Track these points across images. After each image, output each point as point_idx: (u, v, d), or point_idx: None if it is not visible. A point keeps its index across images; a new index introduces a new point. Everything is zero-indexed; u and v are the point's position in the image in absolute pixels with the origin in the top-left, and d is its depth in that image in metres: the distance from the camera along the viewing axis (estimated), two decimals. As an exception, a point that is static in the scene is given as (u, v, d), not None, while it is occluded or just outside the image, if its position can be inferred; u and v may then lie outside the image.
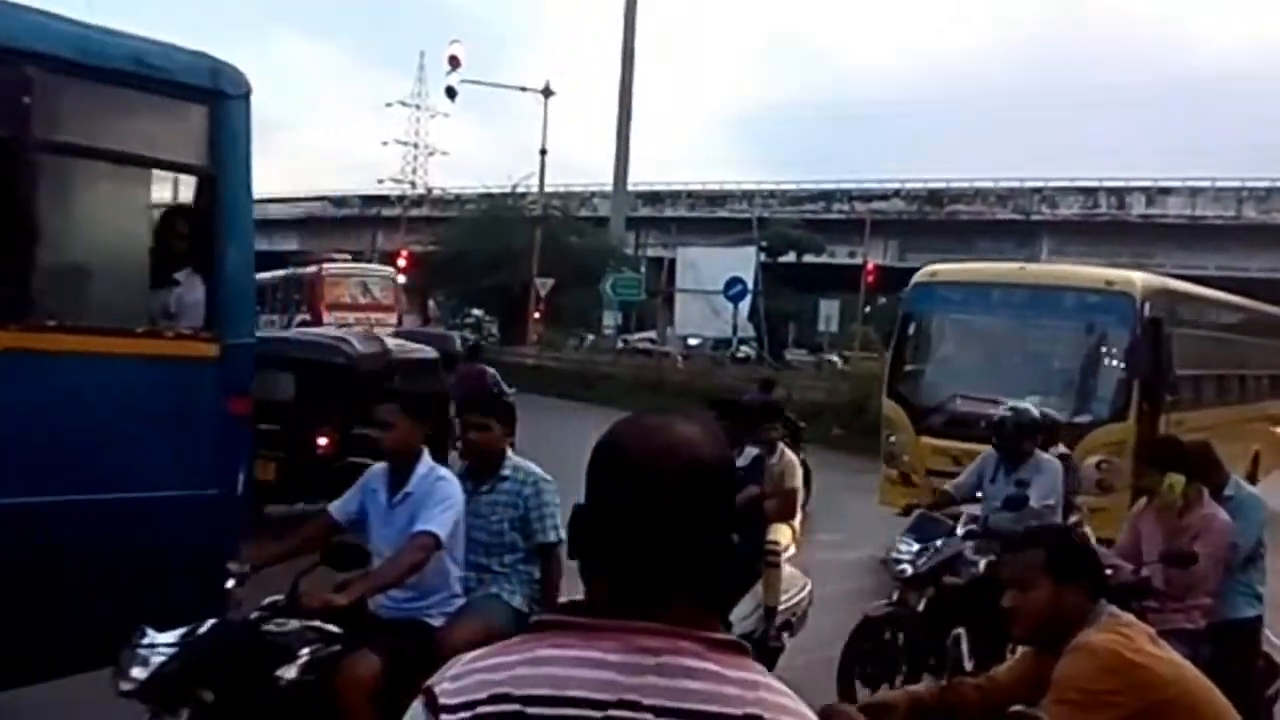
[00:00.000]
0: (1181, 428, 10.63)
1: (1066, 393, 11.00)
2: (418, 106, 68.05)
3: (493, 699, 1.35)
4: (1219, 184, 37.23)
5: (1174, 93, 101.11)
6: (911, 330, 12.14)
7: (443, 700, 1.37)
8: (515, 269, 34.73)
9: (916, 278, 12.41)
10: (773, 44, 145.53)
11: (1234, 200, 36.41)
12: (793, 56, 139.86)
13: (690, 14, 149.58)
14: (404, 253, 38.97)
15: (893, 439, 11.59)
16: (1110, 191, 38.36)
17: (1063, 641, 2.82)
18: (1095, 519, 8.77)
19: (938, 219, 40.80)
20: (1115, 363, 10.91)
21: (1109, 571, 5.97)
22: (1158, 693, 2.73)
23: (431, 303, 44.01)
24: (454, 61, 32.09)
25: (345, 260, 28.96)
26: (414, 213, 50.24)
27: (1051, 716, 2.74)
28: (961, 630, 5.88)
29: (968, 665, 5.74)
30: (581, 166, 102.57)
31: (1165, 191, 37.57)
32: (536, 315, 35.19)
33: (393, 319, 27.47)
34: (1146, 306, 10.81)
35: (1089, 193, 38.56)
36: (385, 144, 68.73)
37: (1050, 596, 2.87)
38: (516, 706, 1.34)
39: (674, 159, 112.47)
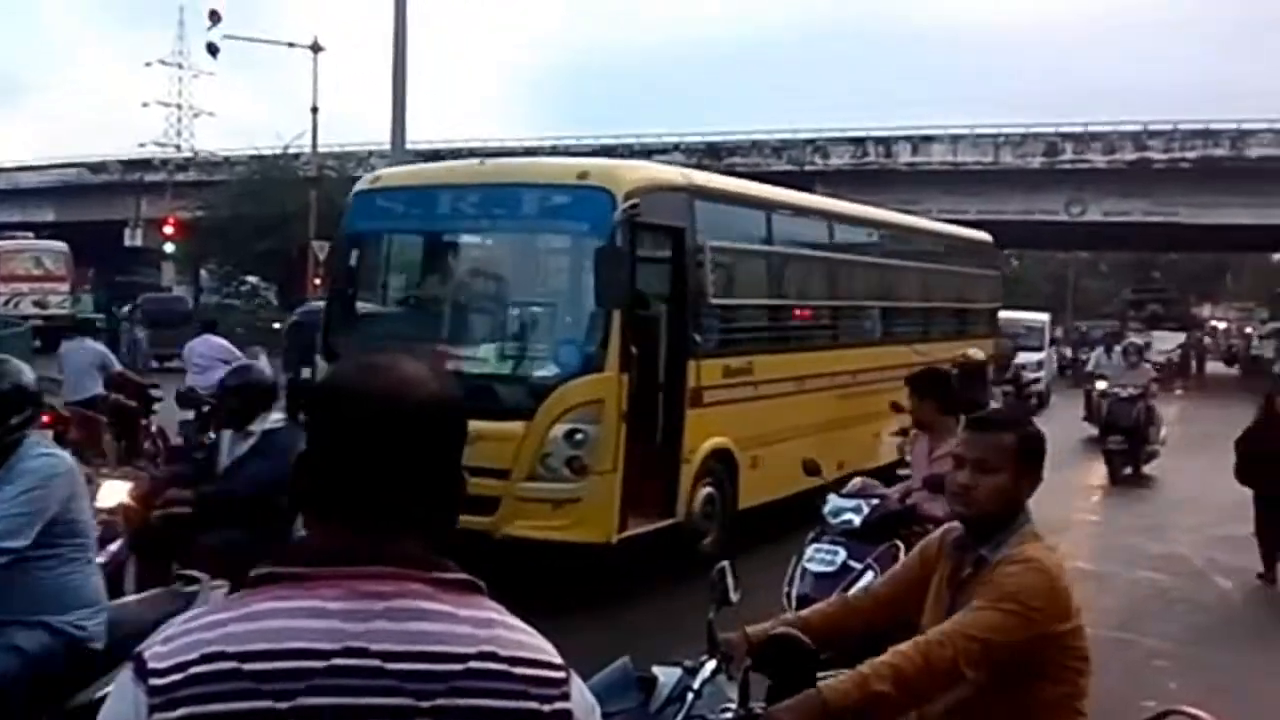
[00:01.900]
0: (724, 379, 9.36)
1: (530, 335, 8.83)
2: (180, 65, 65.07)
3: (205, 658, 1.27)
4: (978, 131, 39.09)
5: (938, 41, 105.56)
6: (353, 260, 9.52)
7: (151, 664, 1.29)
8: (290, 233, 33.56)
9: (357, 186, 9.65)
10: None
11: (991, 146, 38.32)
12: (581, 9, 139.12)
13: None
14: (170, 220, 37.09)
15: None
16: (878, 141, 39.80)
17: (995, 533, 2.82)
18: (561, 514, 7.81)
19: (717, 170, 41.46)
20: (588, 290, 8.03)
21: (876, 501, 6.26)
22: (1066, 623, 2.76)
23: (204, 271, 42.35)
24: (214, 16, 30.50)
25: (24, 237, 33.59)
26: (180, 177, 47.88)
27: (984, 619, 2.69)
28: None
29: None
30: (360, 124, 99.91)
31: (929, 139, 39.22)
32: (317, 281, 34.14)
33: (65, 288, 31.95)
34: (635, 206, 8.09)
35: (858, 142, 39.92)
36: (146, 105, 65.46)
37: (1010, 483, 2.84)
38: (232, 664, 1.27)
39: (457, 114, 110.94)
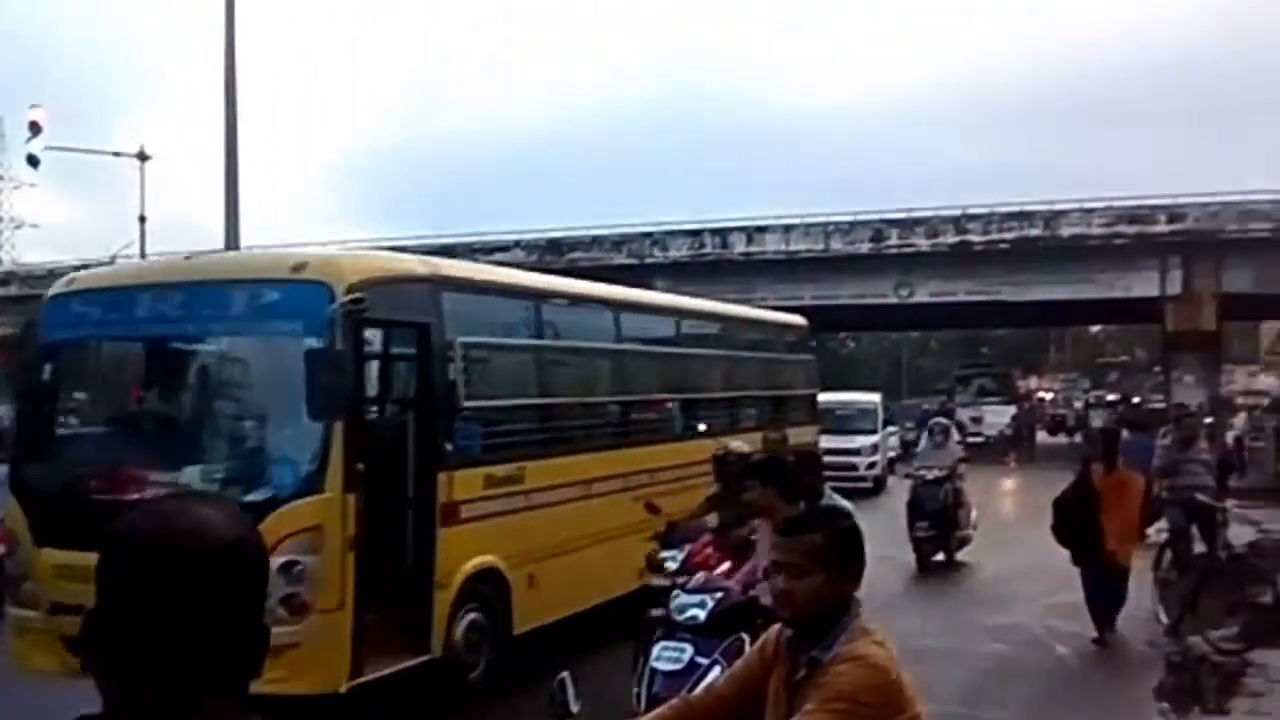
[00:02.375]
0: (487, 490, 8.46)
1: (240, 454, 7.66)
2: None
3: None
4: (809, 220, 40.39)
5: (769, 136, 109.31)
6: (46, 375, 8.20)
7: None
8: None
9: (50, 291, 8.35)
10: (386, 95, 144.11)
11: (822, 234, 39.60)
12: (413, 108, 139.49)
13: (306, 65, 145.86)
14: (-11, 336, 35.45)
15: (13, 555, 7.76)
16: (714, 232, 40.73)
17: (826, 631, 2.82)
18: (280, 664, 5.84)
19: (559, 267, 41.76)
20: (304, 399, 6.91)
21: (721, 594, 6.31)
22: (901, 715, 2.78)
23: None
24: (34, 127, 29.59)
25: None
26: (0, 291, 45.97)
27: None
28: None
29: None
30: (193, 232, 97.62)
31: (763, 230, 40.32)
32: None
33: None
34: (360, 301, 7.13)
35: (695, 234, 40.79)
36: (-39, 219, 62.88)
37: (825, 584, 2.84)
38: None
39: (288, 216, 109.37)
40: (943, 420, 17.62)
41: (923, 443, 18.24)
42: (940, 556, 14.83)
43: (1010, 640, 10.66)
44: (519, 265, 42.59)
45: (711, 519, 8.31)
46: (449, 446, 8.14)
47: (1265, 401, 34.12)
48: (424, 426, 8.17)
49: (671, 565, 7.78)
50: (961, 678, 9.15)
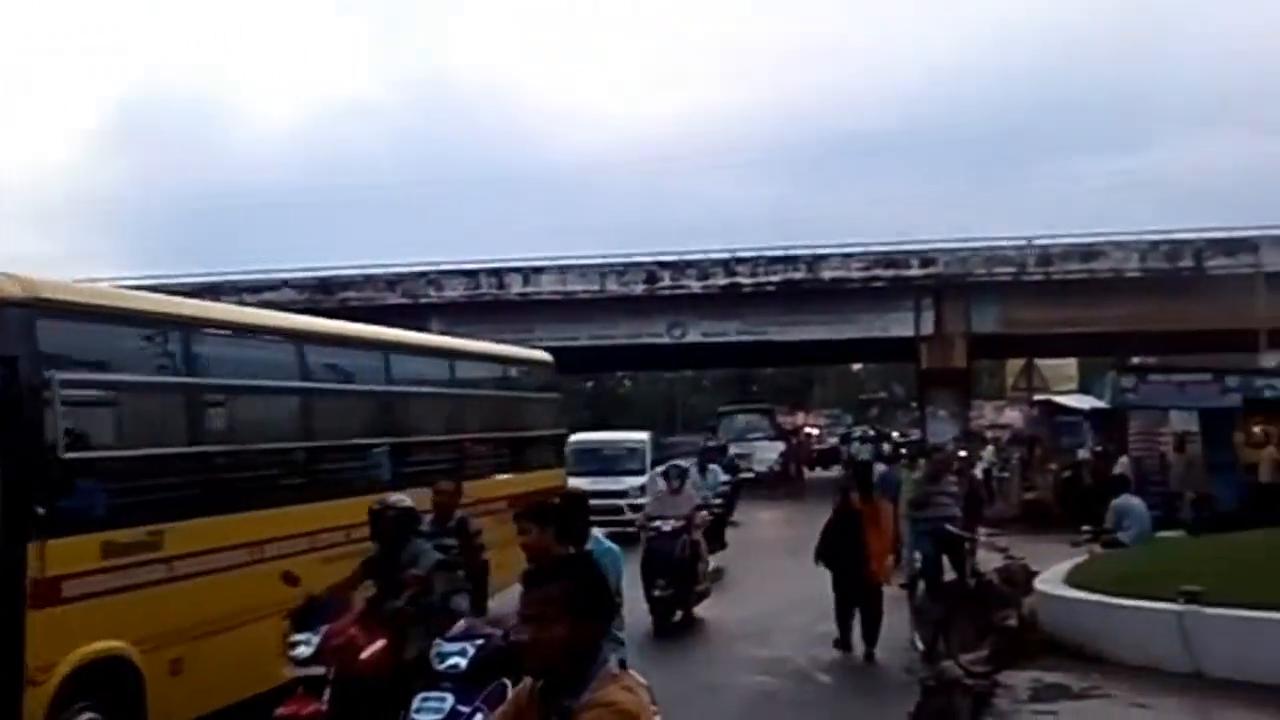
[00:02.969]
0: (107, 561, 7.09)
1: None
2: None
3: None
4: (584, 261, 40.79)
5: (541, 178, 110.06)
6: None
7: None
8: None
9: None
10: (119, 125, 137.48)
11: (598, 275, 40.04)
12: (158, 141, 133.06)
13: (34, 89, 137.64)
14: None
15: None
16: (490, 272, 40.61)
17: (574, 679, 2.80)
18: None
19: (330, 307, 40.79)
20: None
21: (482, 640, 6.22)
22: None
23: None
24: None
25: None
26: None
27: None
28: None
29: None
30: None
31: (539, 270, 40.47)
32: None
33: None
34: None
35: (471, 274, 40.57)
36: None
37: (570, 633, 2.82)
38: None
39: (38, 254, 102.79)
40: (680, 464, 16.16)
41: (659, 486, 17.22)
42: (679, 615, 13.42)
43: (774, 672, 10.92)
44: (287, 306, 41.51)
45: (365, 589, 7.54)
46: (40, 510, 6.58)
47: (1009, 434, 36.32)
48: (6, 486, 6.53)
49: (305, 650, 6.79)
50: (726, 712, 9.30)
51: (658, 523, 13.68)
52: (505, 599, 8.35)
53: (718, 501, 19.31)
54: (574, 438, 24.72)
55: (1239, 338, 32.94)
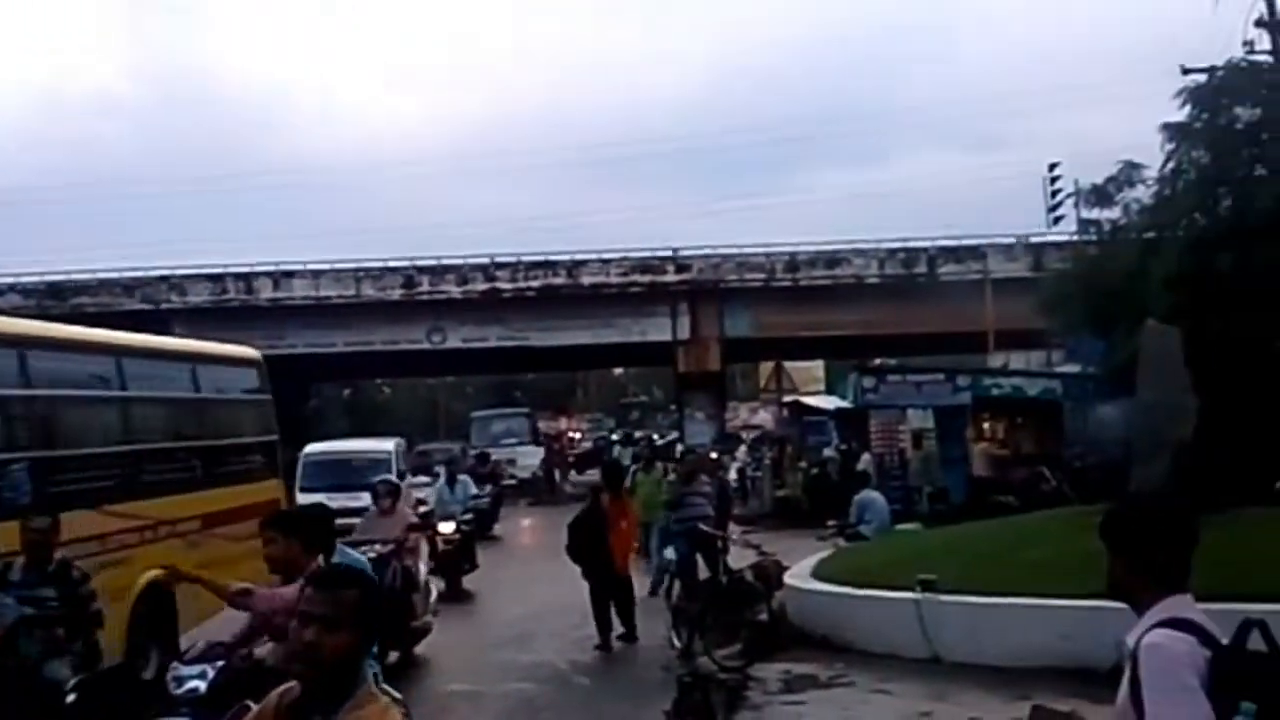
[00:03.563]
0: None
1: None
2: None
3: None
4: (338, 265, 39.78)
5: (301, 176, 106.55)
6: None
7: None
8: None
9: None
10: None
11: (353, 280, 39.14)
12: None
13: None
14: None
15: None
16: (238, 277, 39.11)
17: (337, 693, 2.73)
18: None
19: (62, 314, 38.32)
20: None
21: (223, 663, 5.94)
22: None
23: None
24: None
25: None
26: None
27: None
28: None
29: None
30: None
31: (290, 275, 39.22)
32: None
33: None
34: None
35: (217, 279, 38.97)
36: None
37: (353, 641, 2.76)
38: None
39: None
40: (390, 480, 14.56)
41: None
42: (393, 656, 10.96)
43: (534, 678, 10.91)
44: (13, 312, 38.84)
45: None
46: None
47: (761, 434, 37.54)
48: None
49: None
50: (485, 719, 9.23)
51: (364, 548, 10.30)
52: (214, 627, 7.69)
53: (467, 517, 17.79)
54: (309, 448, 23.25)
55: (970, 339, 35.19)
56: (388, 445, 23.95)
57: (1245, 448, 23.19)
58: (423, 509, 17.01)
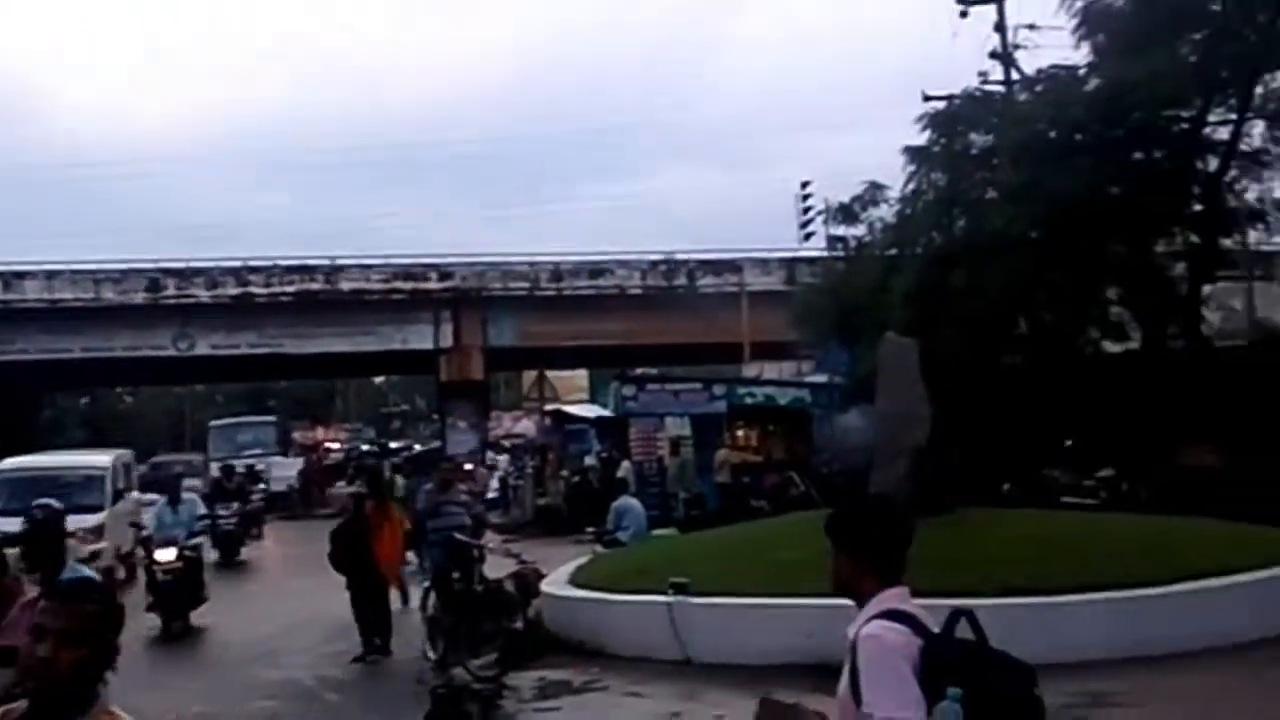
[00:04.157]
0: None
1: None
2: None
3: None
4: (75, 267, 37.49)
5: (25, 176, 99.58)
6: None
7: None
8: None
9: None
10: None
11: (91, 282, 36.95)
12: None
13: None
14: None
15: None
16: (-41, 279, 36.34)
17: (72, 710, 2.63)
18: None
19: None
20: None
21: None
22: None
23: None
24: None
25: None
26: None
27: None
28: None
29: None
30: None
31: (21, 275, 36.73)
32: None
33: None
34: None
35: (-65, 280, 36.10)
36: None
37: (92, 656, 2.67)
38: None
39: None
40: (50, 503, 12.88)
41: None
42: None
43: (281, 695, 10.55)
44: None
45: None
46: None
47: (522, 443, 37.54)
48: None
49: None
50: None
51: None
52: None
53: (195, 541, 15.22)
54: (3, 464, 19.74)
55: (727, 350, 36.23)
56: (103, 459, 20.66)
57: (976, 453, 24.78)
58: (144, 533, 15.59)
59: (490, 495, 30.46)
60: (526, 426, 40.49)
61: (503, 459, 35.51)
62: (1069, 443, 20.77)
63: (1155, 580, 9.91)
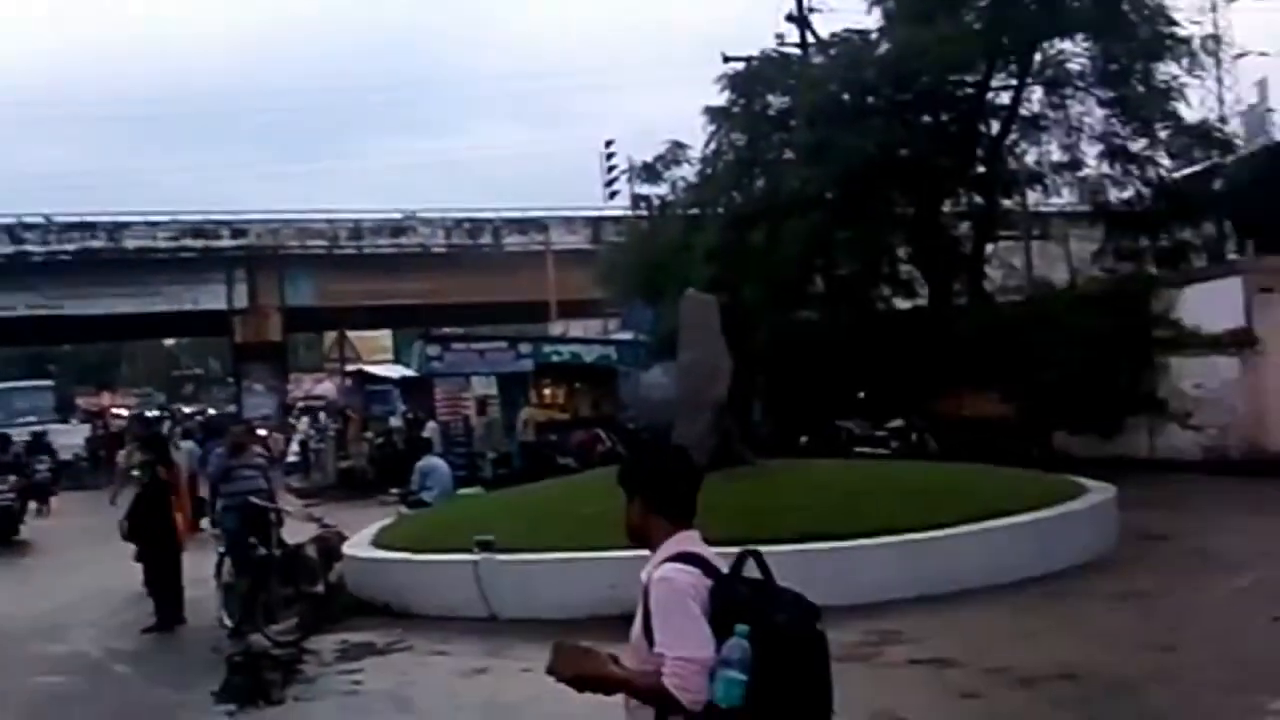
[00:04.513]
0: None
1: None
2: None
3: None
4: None
5: None
6: None
7: None
8: None
9: None
10: None
11: None
12: None
13: None
14: None
15: None
16: None
17: None
18: None
19: None
20: None
21: None
22: None
23: None
24: None
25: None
26: None
27: None
28: None
29: None
30: None
31: None
32: None
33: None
34: None
35: None
36: None
37: None
38: None
39: None
40: None
41: None
42: None
43: (67, 669, 10.05)
44: None
45: None
46: None
47: (323, 405, 36.71)
48: None
49: None
50: (18, 716, 8.41)
51: None
52: None
53: None
54: None
55: (533, 309, 36.18)
56: None
57: (775, 406, 25.54)
58: None
59: (290, 459, 29.76)
60: (327, 388, 39.53)
61: (303, 422, 34.63)
62: (862, 395, 21.57)
63: (943, 523, 10.43)
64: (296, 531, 12.79)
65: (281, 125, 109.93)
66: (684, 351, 13.13)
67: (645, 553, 3.03)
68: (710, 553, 2.95)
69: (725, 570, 2.90)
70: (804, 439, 21.25)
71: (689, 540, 2.96)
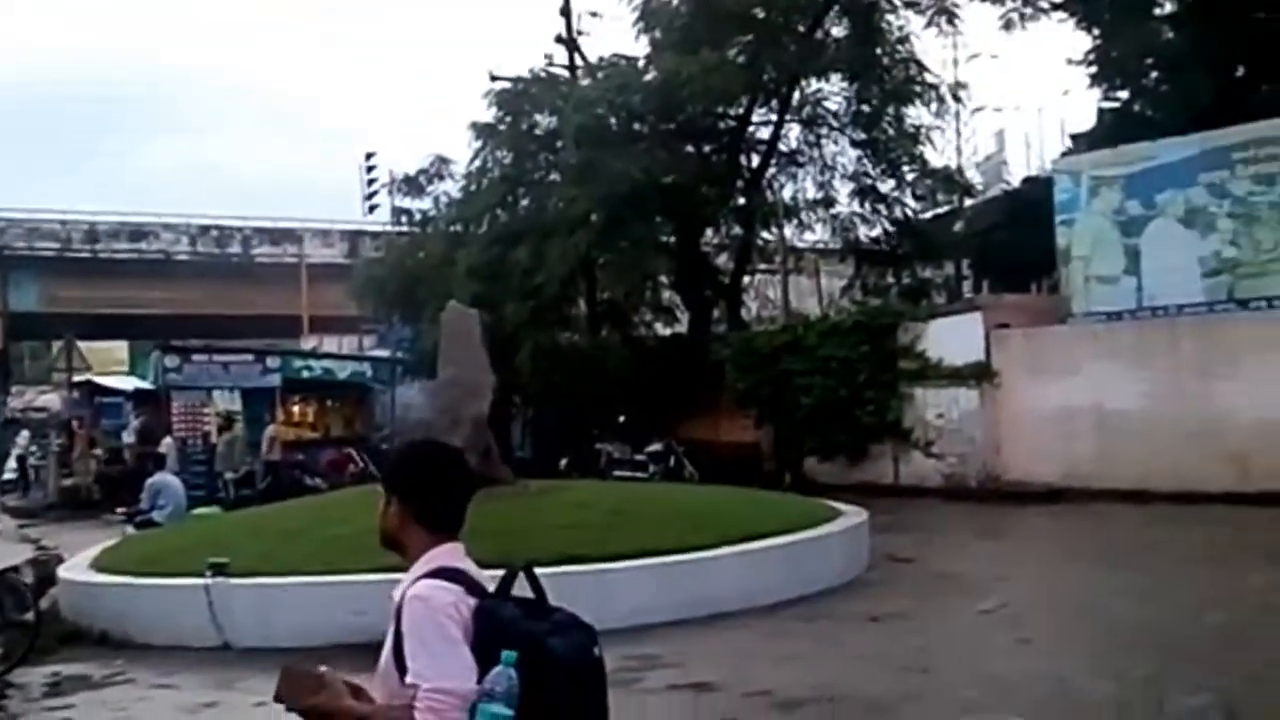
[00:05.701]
0: None
1: None
2: None
3: None
4: None
5: None
6: None
7: None
8: None
9: None
10: None
11: None
12: None
13: None
14: None
15: None
16: None
17: None
18: None
19: None
20: None
21: None
22: None
23: None
24: None
25: None
26: None
27: None
28: None
29: None
30: None
31: None
32: None
33: None
34: None
35: None
36: None
37: None
38: None
39: None
40: None
41: None
42: None
43: None
44: None
45: None
46: None
47: (47, 417, 34.06)
48: None
49: None
50: None
51: None
52: None
53: None
54: None
55: (285, 323, 34.72)
56: None
57: (537, 426, 25.24)
58: None
59: (7, 476, 27.54)
60: (51, 400, 36.69)
61: (22, 435, 32.00)
62: (622, 419, 21.57)
63: (701, 546, 10.35)
64: (8, 554, 11.68)
65: (31, 124, 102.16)
66: (445, 365, 12.66)
67: (399, 576, 2.62)
68: (475, 568, 2.57)
69: (492, 588, 2.53)
70: (564, 461, 21.05)
71: (450, 554, 2.57)
